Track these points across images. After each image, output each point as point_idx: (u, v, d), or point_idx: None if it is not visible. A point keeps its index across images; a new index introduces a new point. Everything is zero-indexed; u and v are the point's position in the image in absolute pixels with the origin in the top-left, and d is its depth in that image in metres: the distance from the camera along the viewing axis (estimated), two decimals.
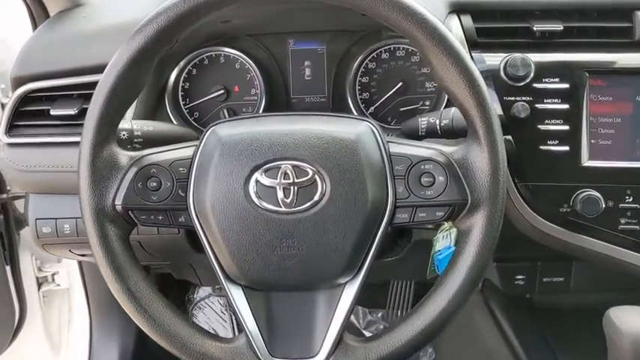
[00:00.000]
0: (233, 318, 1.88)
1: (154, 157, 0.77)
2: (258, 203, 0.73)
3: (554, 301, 1.30)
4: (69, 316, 1.67)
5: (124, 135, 0.86)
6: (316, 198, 0.73)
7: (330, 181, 0.73)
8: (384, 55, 1.11)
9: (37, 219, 1.03)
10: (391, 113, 1.12)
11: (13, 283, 1.46)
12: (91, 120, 0.73)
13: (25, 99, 1.02)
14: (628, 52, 0.97)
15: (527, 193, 0.94)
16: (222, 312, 1.88)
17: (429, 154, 0.76)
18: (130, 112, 0.99)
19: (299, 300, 0.78)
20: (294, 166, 0.73)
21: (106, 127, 0.74)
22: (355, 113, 1.10)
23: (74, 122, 0.99)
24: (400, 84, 1.10)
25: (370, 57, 1.11)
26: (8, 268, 1.44)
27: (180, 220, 0.78)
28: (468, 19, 0.99)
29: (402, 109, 1.11)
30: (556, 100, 0.94)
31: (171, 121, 1.10)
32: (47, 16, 1.18)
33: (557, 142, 0.94)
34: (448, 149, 0.76)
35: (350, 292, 0.76)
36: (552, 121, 0.94)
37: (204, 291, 1.91)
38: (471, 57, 0.85)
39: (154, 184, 0.76)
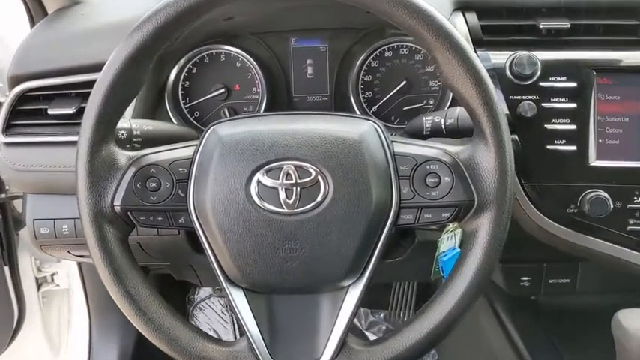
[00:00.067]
0: (234, 319, 1.87)
1: (154, 157, 0.76)
2: (259, 204, 0.72)
3: (560, 303, 1.29)
4: (68, 317, 1.66)
5: (122, 134, 0.85)
6: (319, 199, 0.72)
7: (334, 181, 0.72)
8: (387, 53, 1.10)
9: (34, 220, 1.02)
10: (394, 112, 1.11)
11: (12, 284, 1.46)
12: (89, 119, 0.72)
13: (23, 98, 1.01)
14: (636, 50, 0.95)
15: (533, 193, 0.93)
16: (222, 312, 1.87)
17: (434, 154, 0.74)
18: (129, 111, 0.98)
19: (301, 303, 0.77)
20: (296, 167, 0.72)
21: (104, 127, 0.73)
22: (358, 112, 1.09)
23: (72, 121, 0.97)
24: (404, 82, 1.08)
25: (373, 55, 1.09)
26: (7, 269, 1.44)
27: (180, 221, 0.76)
28: (473, 17, 0.98)
29: (405, 108, 1.10)
30: (563, 99, 0.93)
31: (171, 121, 1.09)
32: (45, 13, 1.17)
33: (564, 141, 0.92)
34: (454, 149, 0.75)
35: (354, 294, 0.75)
36: (559, 121, 0.93)
37: (204, 291, 1.90)
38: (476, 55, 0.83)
39: (154, 184, 0.75)
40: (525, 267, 1.17)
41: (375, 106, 1.10)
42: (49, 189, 1.01)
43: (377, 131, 0.76)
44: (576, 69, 0.93)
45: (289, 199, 0.71)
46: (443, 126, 0.87)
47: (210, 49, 1.10)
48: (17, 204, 1.43)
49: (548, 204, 0.93)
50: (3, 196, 1.37)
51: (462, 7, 0.99)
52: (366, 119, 0.77)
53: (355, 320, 1.79)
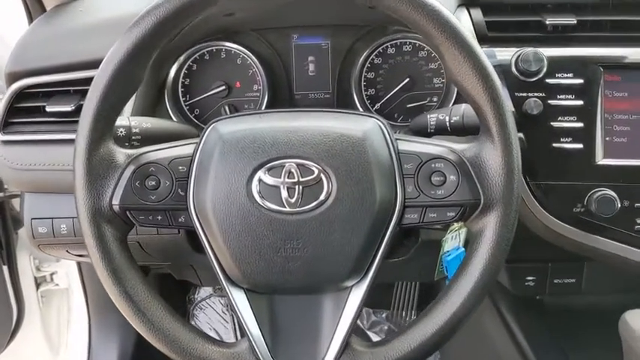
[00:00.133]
0: (235, 319, 1.86)
1: (153, 155, 0.75)
2: (261, 203, 0.70)
3: (565, 303, 1.28)
4: (68, 317, 1.66)
5: (121, 132, 0.84)
6: (322, 198, 0.70)
7: (337, 180, 0.70)
8: (390, 50, 1.08)
9: (32, 219, 1.01)
10: (398, 110, 1.09)
11: (11, 283, 1.46)
12: (87, 116, 0.71)
13: (20, 95, 0.99)
14: None
15: (539, 192, 0.92)
16: (223, 312, 1.86)
17: (439, 152, 0.73)
18: (128, 108, 0.97)
19: (304, 303, 0.75)
20: (298, 165, 0.71)
21: (102, 124, 0.72)
22: (361, 110, 1.08)
23: (71, 119, 0.96)
24: (407, 80, 1.07)
25: (376, 52, 1.08)
26: (5, 268, 1.44)
27: (179, 220, 0.75)
28: (477, 13, 0.97)
29: (408, 106, 1.09)
30: (570, 96, 0.92)
31: (171, 118, 1.07)
32: (43, 10, 1.15)
33: (570, 139, 0.91)
34: (460, 147, 0.74)
35: (357, 295, 0.74)
36: (566, 118, 0.91)
37: (205, 291, 1.89)
38: None
39: (153, 183, 0.74)
40: (530, 267, 1.16)
41: (378, 104, 1.09)
42: (47, 188, 0.99)
43: (381, 128, 0.74)
44: (583, 66, 0.92)
45: (291, 198, 0.70)
46: (448, 123, 0.86)
47: (210, 46, 1.08)
48: (16, 203, 1.42)
49: (555, 203, 0.92)
50: (1, 194, 1.36)
51: (466, 3, 0.98)
52: (369, 116, 0.76)
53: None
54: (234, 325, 1.85)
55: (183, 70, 1.09)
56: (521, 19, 0.96)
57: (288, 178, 0.70)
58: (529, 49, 0.91)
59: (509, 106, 0.70)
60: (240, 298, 0.74)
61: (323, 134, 0.72)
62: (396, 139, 0.75)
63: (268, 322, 0.75)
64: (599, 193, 0.90)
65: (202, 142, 0.74)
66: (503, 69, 0.92)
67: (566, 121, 0.91)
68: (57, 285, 1.61)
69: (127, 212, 0.73)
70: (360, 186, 0.70)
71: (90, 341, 1.60)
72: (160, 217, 0.75)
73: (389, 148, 0.73)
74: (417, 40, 1.07)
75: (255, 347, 0.72)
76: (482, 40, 0.95)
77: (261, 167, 0.71)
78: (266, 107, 1.08)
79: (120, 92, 0.72)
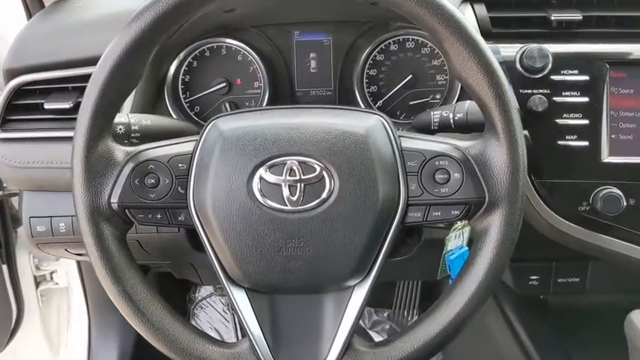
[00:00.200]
0: (236, 318, 1.85)
1: (152, 153, 0.74)
2: (262, 201, 0.69)
3: (569, 303, 1.27)
4: (68, 316, 1.65)
5: (120, 129, 0.83)
6: (324, 196, 0.69)
7: (339, 177, 0.69)
8: (392, 47, 1.07)
9: (31, 217, 1.00)
10: (400, 107, 1.08)
11: (10, 282, 1.45)
12: (85, 113, 0.70)
13: (18, 92, 0.98)
14: None
15: (544, 190, 0.91)
16: (224, 311, 1.86)
17: (443, 150, 0.72)
18: (128, 105, 0.96)
19: (305, 303, 0.75)
20: (300, 162, 0.70)
21: (101, 121, 0.71)
22: (363, 107, 1.07)
23: (69, 116, 0.95)
24: (410, 77, 1.06)
25: (378, 48, 1.07)
26: (5, 267, 1.43)
27: (179, 218, 0.74)
28: (482, 8, 0.96)
29: (411, 103, 1.08)
30: (575, 93, 0.91)
31: (171, 116, 1.06)
32: (42, 6, 1.15)
33: (575, 137, 0.90)
34: (464, 144, 0.73)
35: (359, 294, 0.73)
36: (571, 115, 0.90)
37: (206, 290, 1.88)
38: None
39: (152, 180, 0.73)
40: (534, 266, 1.15)
41: (380, 101, 1.08)
42: (46, 186, 0.99)
43: (384, 125, 0.73)
44: (588, 62, 0.91)
45: (293, 196, 0.69)
46: (451, 120, 0.84)
47: (210, 43, 1.07)
48: (15, 201, 1.41)
49: (560, 201, 0.91)
50: (0, 193, 1.35)
51: None
52: (372, 113, 0.75)
53: None
54: (235, 324, 1.84)
55: (184, 67, 1.08)
56: (526, 14, 0.95)
57: (289, 175, 0.69)
58: (534, 46, 0.90)
59: (514, 102, 0.69)
60: (240, 298, 0.74)
61: (325, 131, 0.71)
62: (399, 136, 0.74)
63: (269, 321, 0.74)
64: (605, 191, 0.89)
65: (202, 139, 0.73)
66: (507, 65, 0.91)
67: (571, 119, 0.90)
68: (57, 284, 1.60)
69: (126, 210, 0.73)
70: (362, 184, 0.69)
71: (90, 340, 1.60)
72: (159, 216, 0.74)
73: (392, 146, 0.72)
74: (419, 36, 1.06)
75: (256, 347, 0.72)
76: (487, 36, 0.93)
77: (262, 165, 0.70)
78: (267, 104, 1.07)
79: (119, 89, 0.71)
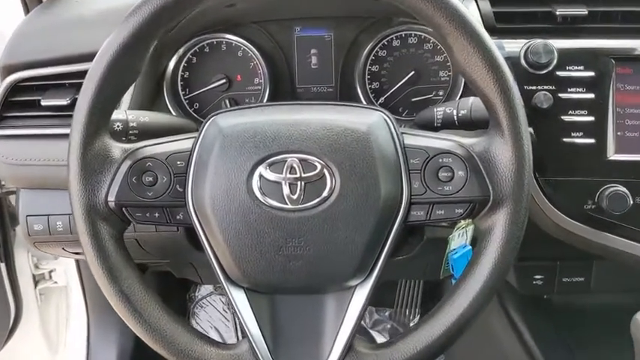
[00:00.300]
0: (236, 318, 1.84)
1: (150, 150, 0.73)
2: (262, 200, 0.68)
3: (574, 302, 1.26)
4: (67, 315, 1.64)
5: (118, 126, 0.82)
6: (325, 194, 0.68)
7: (340, 175, 0.68)
8: (395, 43, 1.06)
9: (28, 215, 0.99)
10: (402, 104, 1.07)
11: (9, 281, 1.45)
12: (82, 110, 0.69)
13: (15, 88, 0.97)
14: None
15: (549, 188, 0.90)
16: (224, 311, 1.85)
17: (447, 147, 0.71)
18: (126, 102, 0.95)
19: (306, 304, 0.74)
20: (301, 160, 0.68)
21: (98, 118, 0.70)
22: (365, 103, 1.06)
23: (66, 113, 0.94)
24: (412, 73, 1.05)
25: (380, 44, 1.06)
26: (3, 266, 1.43)
27: (177, 217, 0.73)
28: (485, 4, 0.95)
29: (413, 100, 1.06)
30: (580, 90, 0.89)
31: (170, 112, 1.05)
32: (40, 1, 1.13)
33: (581, 134, 0.89)
34: (468, 141, 0.72)
35: (361, 295, 0.72)
36: (576, 112, 0.89)
37: (206, 289, 1.87)
38: None
39: (150, 178, 0.72)
40: (538, 265, 1.14)
41: (383, 98, 1.07)
42: (43, 184, 0.98)
43: (386, 122, 0.72)
44: (594, 58, 0.90)
45: (293, 195, 0.68)
46: (455, 117, 0.83)
47: (210, 38, 1.06)
48: (13, 199, 1.40)
49: (565, 199, 0.90)
50: None
51: None
52: (374, 109, 0.74)
53: None
54: (236, 324, 1.83)
55: (183, 63, 1.07)
56: (531, 9, 0.94)
57: (289, 173, 0.68)
58: (539, 41, 0.89)
59: (520, 98, 0.68)
60: (240, 298, 0.73)
61: (326, 128, 0.70)
62: (402, 133, 0.73)
63: (269, 322, 0.73)
64: (611, 189, 0.88)
65: (201, 136, 0.72)
66: (512, 61, 0.89)
67: (576, 115, 0.89)
68: (55, 283, 1.60)
69: (123, 209, 0.72)
70: (364, 182, 0.68)
71: (89, 339, 1.59)
72: (157, 214, 0.73)
73: (394, 143, 0.71)
74: (422, 32, 1.05)
75: (256, 349, 0.71)
76: (491, 31, 0.92)
77: (262, 162, 0.69)
78: (267, 101, 1.06)
79: (116, 85, 0.70)
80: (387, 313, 1.83)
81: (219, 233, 0.69)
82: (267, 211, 0.68)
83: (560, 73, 0.89)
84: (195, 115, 1.08)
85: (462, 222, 0.90)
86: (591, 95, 0.89)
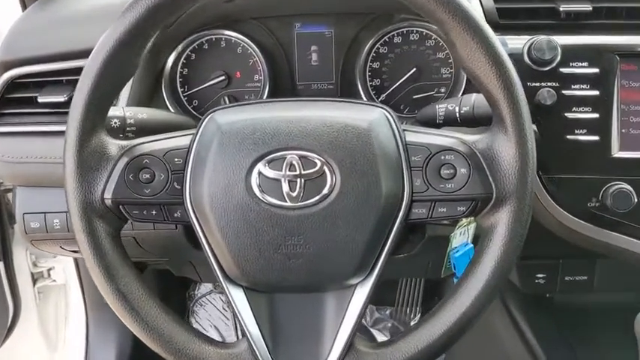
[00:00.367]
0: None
1: (147, 147, 0.72)
2: (261, 197, 0.67)
3: (576, 301, 1.25)
4: (66, 313, 1.64)
5: (115, 123, 0.81)
6: (325, 191, 0.67)
7: (341, 173, 0.67)
8: (396, 39, 1.05)
9: (24, 213, 0.98)
10: (404, 101, 1.06)
11: (7, 279, 1.44)
12: (78, 106, 0.68)
13: (12, 85, 0.97)
14: None
15: (552, 186, 0.89)
16: (224, 309, 1.84)
17: (449, 144, 0.70)
18: (123, 98, 0.94)
19: (305, 303, 0.73)
20: (300, 157, 0.67)
21: (94, 114, 0.69)
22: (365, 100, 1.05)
23: (63, 110, 0.94)
24: (414, 70, 1.04)
25: (382, 41, 1.05)
26: (1, 264, 1.42)
27: (175, 215, 0.72)
28: (488, 0, 0.94)
29: (415, 97, 1.06)
30: (584, 86, 0.89)
31: (168, 109, 1.05)
32: None
33: (585, 131, 0.88)
34: (471, 138, 0.71)
35: (361, 293, 0.71)
36: (580, 109, 0.88)
37: (205, 287, 1.87)
38: None
39: (147, 175, 0.71)
40: (540, 263, 1.13)
41: (384, 95, 1.06)
42: (40, 181, 0.97)
43: (387, 119, 0.71)
44: (598, 54, 0.89)
45: (293, 192, 0.67)
46: (457, 114, 0.83)
47: (209, 35, 1.05)
48: (11, 197, 1.39)
49: (568, 197, 0.89)
50: None
51: None
52: (375, 106, 0.73)
53: None
54: (236, 322, 1.83)
55: (182, 60, 1.06)
56: (534, 5, 0.93)
57: (289, 170, 0.67)
58: (542, 37, 0.88)
59: (523, 94, 0.67)
60: (238, 297, 0.72)
61: (326, 124, 0.69)
62: (404, 129, 0.72)
63: (268, 321, 0.72)
64: (615, 187, 0.87)
65: (199, 132, 0.71)
66: (515, 58, 0.87)
67: (580, 112, 0.88)
68: (54, 281, 1.59)
69: (120, 206, 0.71)
70: (365, 179, 0.67)
71: (87, 337, 1.59)
72: (154, 212, 0.72)
73: (396, 139, 0.70)
74: (424, 28, 1.04)
75: (255, 348, 0.70)
76: (494, 27, 0.88)
77: (261, 159, 0.68)
78: (267, 98, 1.05)
79: (112, 81, 0.69)
80: (387, 312, 1.82)
81: (217, 231, 0.68)
82: (266, 208, 0.67)
83: (563, 70, 0.89)
84: (194, 113, 1.07)
85: (464, 220, 0.89)
86: (595, 92, 0.89)
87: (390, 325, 1.81)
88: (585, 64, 0.89)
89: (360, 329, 1.67)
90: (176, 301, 1.82)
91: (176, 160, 0.71)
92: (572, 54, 0.88)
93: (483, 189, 0.68)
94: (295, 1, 1.04)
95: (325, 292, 0.73)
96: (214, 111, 0.73)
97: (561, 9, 0.91)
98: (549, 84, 0.88)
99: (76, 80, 0.91)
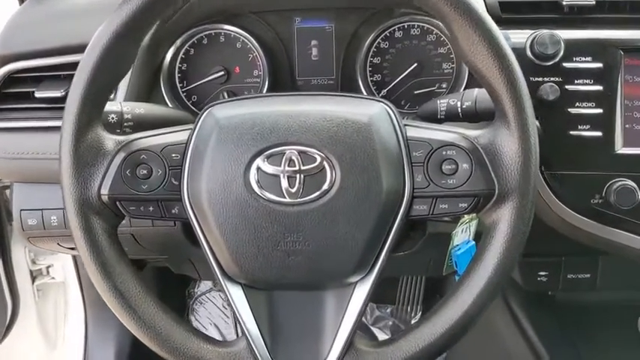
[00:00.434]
0: None
1: (144, 142, 0.71)
2: (259, 193, 0.67)
3: (578, 299, 1.24)
4: (65, 310, 1.63)
5: (112, 118, 0.80)
6: (325, 187, 0.66)
7: (341, 168, 0.66)
8: (397, 34, 1.04)
9: (21, 210, 0.98)
10: (405, 96, 1.05)
11: (5, 277, 1.43)
12: (74, 100, 0.67)
13: (9, 80, 0.96)
14: None
15: (555, 182, 0.88)
16: (224, 307, 1.83)
17: (451, 139, 0.69)
18: (121, 94, 0.93)
19: (305, 300, 0.72)
20: (300, 152, 0.67)
21: (90, 109, 0.68)
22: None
23: (61, 105, 0.91)
24: (415, 65, 1.03)
25: (382, 36, 1.04)
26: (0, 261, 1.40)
27: (173, 211, 0.72)
28: None
29: (416, 92, 1.04)
30: (588, 81, 0.87)
31: (167, 105, 1.03)
32: None
33: (588, 127, 0.87)
34: (473, 133, 0.70)
35: (361, 291, 0.70)
36: (584, 104, 0.87)
37: (205, 285, 1.86)
38: None
39: (144, 171, 0.70)
40: (543, 261, 1.12)
41: (384, 90, 1.05)
42: (37, 177, 0.96)
43: (388, 113, 0.70)
44: (602, 49, 0.88)
45: (292, 188, 0.66)
46: (459, 109, 0.81)
47: (208, 29, 1.04)
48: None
49: (571, 194, 0.88)
50: None
51: None
52: (376, 100, 0.72)
53: None
54: (236, 320, 1.82)
55: (180, 55, 1.05)
56: None
57: (288, 166, 0.66)
58: (545, 31, 0.87)
59: (526, 89, 0.66)
60: (237, 295, 0.71)
61: (326, 119, 0.68)
62: (405, 124, 0.71)
63: (267, 319, 0.71)
64: (619, 183, 0.86)
65: (197, 127, 0.71)
66: (517, 52, 0.85)
67: (584, 108, 0.87)
68: (53, 278, 1.59)
69: (117, 203, 0.70)
70: (365, 175, 0.67)
71: (86, 335, 1.58)
72: (151, 208, 0.71)
73: (397, 135, 0.69)
74: (425, 23, 1.03)
75: (254, 346, 0.69)
76: (496, 21, 0.87)
77: (259, 155, 0.67)
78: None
79: (109, 74, 0.69)
80: (388, 310, 1.81)
81: (215, 228, 0.68)
82: (265, 205, 0.66)
83: (566, 65, 0.87)
84: (193, 108, 1.06)
85: (466, 217, 0.88)
86: (599, 87, 0.88)
87: (390, 323, 1.80)
88: (589, 58, 0.88)
89: (361, 327, 1.67)
90: (176, 299, 1.81)
91: (174, 155, 0.70)
92: (575, 48, 0.87)
93: (485, 185, 0.68)
94: None
95: (325, 290, 0.72)
96: (212, 105, 0.72)
97: (564, 3, 0.90)
98: (552, 79, 0.87)
99: (74, 75, 0.92)
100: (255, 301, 0.71)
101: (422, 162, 0.69)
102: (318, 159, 0.66)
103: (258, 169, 0.67)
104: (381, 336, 1.76)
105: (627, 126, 0.88)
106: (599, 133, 0.87)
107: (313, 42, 1.05)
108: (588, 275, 1.11)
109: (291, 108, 0.70)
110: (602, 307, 1.21)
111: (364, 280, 0.70)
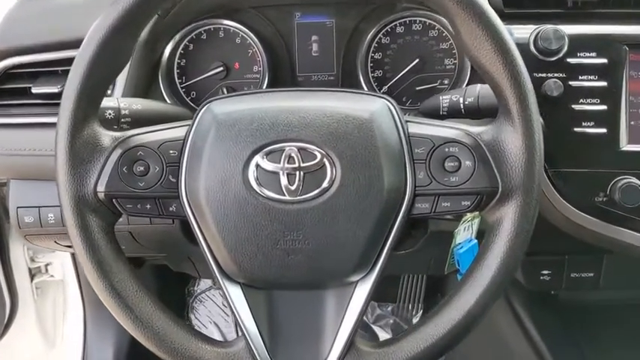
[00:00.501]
0: None
1: (141, 138, 0.70)
2: (258, 191, 0.66)
3: (581, 298, 1.23)
4: (64, 309, 1.62)
5: (109, 114, 0.79)
6: (325, 185, 0.66)
7: (341, 165, 0.66)
8: (398, 29, 1.03)
9: (18, 207, 0.97)
10: (406, 92, 1.04)
11: (3, 275, 1.43)
12: (69, 96, 0.66)
13: (5, 76, 0.95)
14: None
15: (558, 180, 0.87)
16: (224, 305, 1.83)
17: (454, 135, 0.68)
18: (119, 90, 0.92)
19: (305, 300, 0.71)
20: (299, 149, 0.66)
21: (86, 104, 0.67)
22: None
23: (58, 101, 0.91)
24: (417, 61, 1.02)
25: (384, 31, 1.03)
26: None
27: (170, 209, 0.71)
28: None
29: (418, 89, 1.04)
30: (592, 77, 0.87)
31: (165, 101, 1.03)
32: None
33: (593, 123, 0.86)
34: (476, 129, 0.69)
35: (362, 290, 0.69)
36: (588, 101, 0.86)
37: (205, 283, 1.86)
38: None
39: (141, 168, 0.69)
40: (546, 260, 1.11)
41: (386, 86, 1.04)
42: (33, 174, 0.95)
43: (390, 110, 0.69)
44: (607, 44, 0.87)
45: (291, 185, 0.65)
46: (462, 105, 0.81)
47: (207, 24, 1.03)
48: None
49: (575, 192, 0.87)
50: None
51: None
52: (377, 96, 0.71)
53: None
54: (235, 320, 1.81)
55: (179, 50, 1.04)
56: None
57: (288, 163, 0.65)
58: (549, 27, 0.86)
59: (531, 84, 0.65)
60: (236, 294, 0.70)
61: (326, 115, 0.67)
62: (406, 121, 0.70)
63: (266, 319, 0.71)
64: (624, 181, 0.85)
65: (195, 123, 0.70)
66: (520, 48, 0.84)
67: (588, 104, 0.86)
68: (52, 276, 1.58)
69: (113, 200, 0.69)
70: (366, 172, 0.66)
71: (85, 333, 1.58)
72: (149, 206, 0.70)
73: (398, 131, 0.68)
74: (427, 18, 1.02)
75: (253, 347, 0.68)
76: (499, 16, 0.88)
77: (258, 151, 0.66)
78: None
79: (105, 69, 0.68)
80: (389, 308, 1.81)
81: (213, 226, 0.67)
82: (264, 202, 0.66)
83: (571, 60, 0.87)
84: (192, 104, 1.05)
85: (468, 215, 0.87)
86: (603, 83, 0.87)
87: (391, 321, 1.79)
88: (593, 54, 0.87)
89: (361, 326, 1.66)
90: (175, 297, 1.80)
91: (171, 152, 0.69)
92: (579, 44, 0.87)
93: (489, 182, 0.67)
94: None
95: (325, 289, 0.71)
96: (211, 101, 0.71)
97: None
98: (556, 75, 0.86)
99: None
100: (254, 300, 0.70)
101: (424, 159, 0.68)
102: (319, 156, 0.66)
103: (257, 166, 0.66)
104: (382, 334, 1.76)
105: (632, 123, 0.87)
106: (603, 130, 0.86)
107: (314, 37, 1.04)
108: (592, 274, 1.11)
109: (290, 104, 0.69)
110: (606, 307, 1.21)
111: (365, 279, 0.69)
